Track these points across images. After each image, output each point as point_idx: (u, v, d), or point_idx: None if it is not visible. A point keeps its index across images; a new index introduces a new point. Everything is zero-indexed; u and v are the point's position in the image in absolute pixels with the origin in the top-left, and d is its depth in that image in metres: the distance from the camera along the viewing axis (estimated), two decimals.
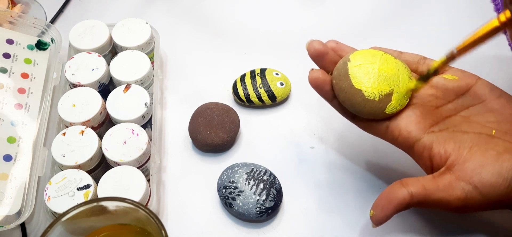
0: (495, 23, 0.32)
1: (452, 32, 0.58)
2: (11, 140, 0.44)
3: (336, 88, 0.38)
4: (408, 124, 0.37)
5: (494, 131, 0.36)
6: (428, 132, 0.36)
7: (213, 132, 0.46)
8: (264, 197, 0.42)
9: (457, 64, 0.39)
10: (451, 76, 0.39)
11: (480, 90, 0.38)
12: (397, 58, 0.40)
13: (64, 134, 0.43)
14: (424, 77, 0.38)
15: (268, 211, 0.42)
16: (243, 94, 0.50)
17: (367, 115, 0.38)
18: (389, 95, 0.37)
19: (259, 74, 0.51)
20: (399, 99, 0.37)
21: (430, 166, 0.36)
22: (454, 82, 0.38)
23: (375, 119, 0.38)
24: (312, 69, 0.39)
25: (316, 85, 0.39)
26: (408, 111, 0.38)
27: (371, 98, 0.37)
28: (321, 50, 0.39)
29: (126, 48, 0.50)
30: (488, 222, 0.43)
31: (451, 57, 0.35)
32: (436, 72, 0.37)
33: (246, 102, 0.50)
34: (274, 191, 0.42)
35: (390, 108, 0.37)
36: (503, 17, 0.32)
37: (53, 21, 0.58)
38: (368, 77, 0.37)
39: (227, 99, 0.52)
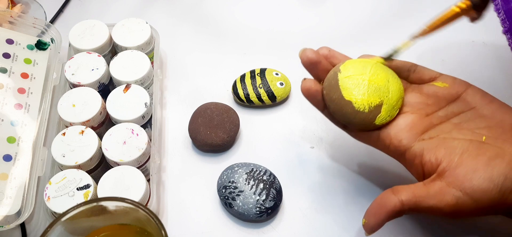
0: (456, 10, 0.36)
1: (451, 32, 0.58)
2: (11, 140, 0.44)
3: (327, 98, 0.38)
4: (399, 132, 0.37)
5: (484, 138, 0.36)
6: (419, 139, 0.37)
7: (213, 132, 0.46)
8: (264, 197, 0.42)
9: (450, 71, 0.40)
10: (442, 84, 0.39)
11: (470, 96, 0.38)
12: (388, 65, 0.40)
13: (64, 134, 0.43)
14: (387, 57, 0.39)
15: (268, 211, 0.42)
16: (243, 94, 0.50)
17: (357, 126, 0.38)
18: (379, 107, 0.37)
19: (259, 74, 0.51)
20: (389, 110, 0.38)
21: (422, 173, 0.36)
22: (445, 90, 0.38)
23: (365, 129, 0.39)
24: (305, 79, 0.39)
25: (308, 95, 0.39)
26: (399, 120, 0.38)
27: (361, 110, 0.37)
28: (314, 59, 0.39)
29: (126, 48, 0.50)
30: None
31: (415, 38, 0.38)
32: (396, 53, 0.39)
33: (246, 102, 0.50)
34: (274, 191, 0.42)
35: (380, 119, 0.37)
36: (464, 4, 0.35)
37: (53, 21, 0.58)
38: (358, 89, 0.37)
39: (227, 99, 0.52)
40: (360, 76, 0.38)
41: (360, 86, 0.37)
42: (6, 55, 0.48)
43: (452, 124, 0.37)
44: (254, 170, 0.43)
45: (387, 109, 0.38)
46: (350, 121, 0.38)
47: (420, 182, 0.36)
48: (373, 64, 0.39)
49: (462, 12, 0.35)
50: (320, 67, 0.39)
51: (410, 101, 0.39)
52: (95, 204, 0.33)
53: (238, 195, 0.42)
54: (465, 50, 0.56)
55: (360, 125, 0.38)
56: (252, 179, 0.42)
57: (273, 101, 0.50)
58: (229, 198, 0.42)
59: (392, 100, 0.38)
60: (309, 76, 0.40)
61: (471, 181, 0.33)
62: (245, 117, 0.50)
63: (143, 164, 0.43)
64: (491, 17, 0.38)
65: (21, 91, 0.47)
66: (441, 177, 0.34)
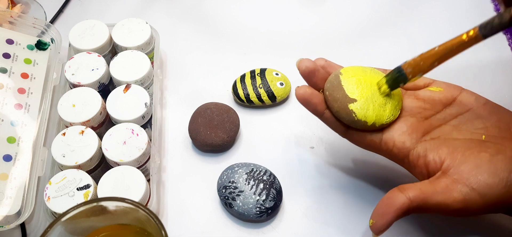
0: (463, 38, 0.33)
1: (452, 32, 0.58)
2: (11, 140, 0.44)
3: (330, 99, 0.38)
4: (401, 135, 0.38)
5: (484, 136, 0.36)
6: (421, 141, 0.37)
7: (213, 132, 0.46)
8: (264, 197, 0.42)
9: (449, 72, 0.40)
10: (436, 88, 0.39)
11: (465, 99, 0.38)
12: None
13: (64, 134, 0.43)
14: (392, 85, 0.37)
15: (268, 211, 0.42)
16: (243, 94, 0.50)
17: (362, 125, 0.38)
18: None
19: (259, 74, 0.51)
20: (392, 109, 0.38)
21: (426, 173, 0.37)
22: (440, 94, 0.39)
23: (369, 130, 0.38)
24: (298, 86, 0.39)
25: (304, 99, 0.39)
26: (400, 123, 0.38)
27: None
28: (312, 68, 0.39)
29: (126, 48, 0.50)
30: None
31: (421, 74, 0.36)
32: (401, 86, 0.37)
33: (246, 102, 0.50)
34: (274, 191, 0.42)
35: (385, 117, 0.37)
36: (472, 32, 0.33)
37: (53, 21, 0.58)
38: (361, 88, 0.37)
39: (227, 99, 0.52)
40: (361, 77, 0.38)
41: (363, 85, 0.38)
42: (6, 55, 0.48)
43: (451, 126, 0.38)
44: (254, 170, 0.43)
45: (390, 108, 0.38)
46: (355, 120, 0.38)
47: (425, 180, 0.36)
48: (372, 68, 0.39)
49: (470, 41, 0.33)
50: (318, 76, 0.39)
51: (408, 106, 0.39)
52: (95, 204, 0.33)
53: (238, 195, 0.42)
54: (465, 50, 0.56)
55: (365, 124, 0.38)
56: (252, 179, 0.42)
57: (273, 101, 0.50)
58: (229, 198, 0.42)
59: (394, 99, 0.38)
60: (300, 87, 0.39)
61: (477, 176, 0.34)
62: (245, 117, 0.50)
63: (143, 164, 0.43)
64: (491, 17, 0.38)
65: (21, 91, 0.47)
66: (446, 175, 0.35)
